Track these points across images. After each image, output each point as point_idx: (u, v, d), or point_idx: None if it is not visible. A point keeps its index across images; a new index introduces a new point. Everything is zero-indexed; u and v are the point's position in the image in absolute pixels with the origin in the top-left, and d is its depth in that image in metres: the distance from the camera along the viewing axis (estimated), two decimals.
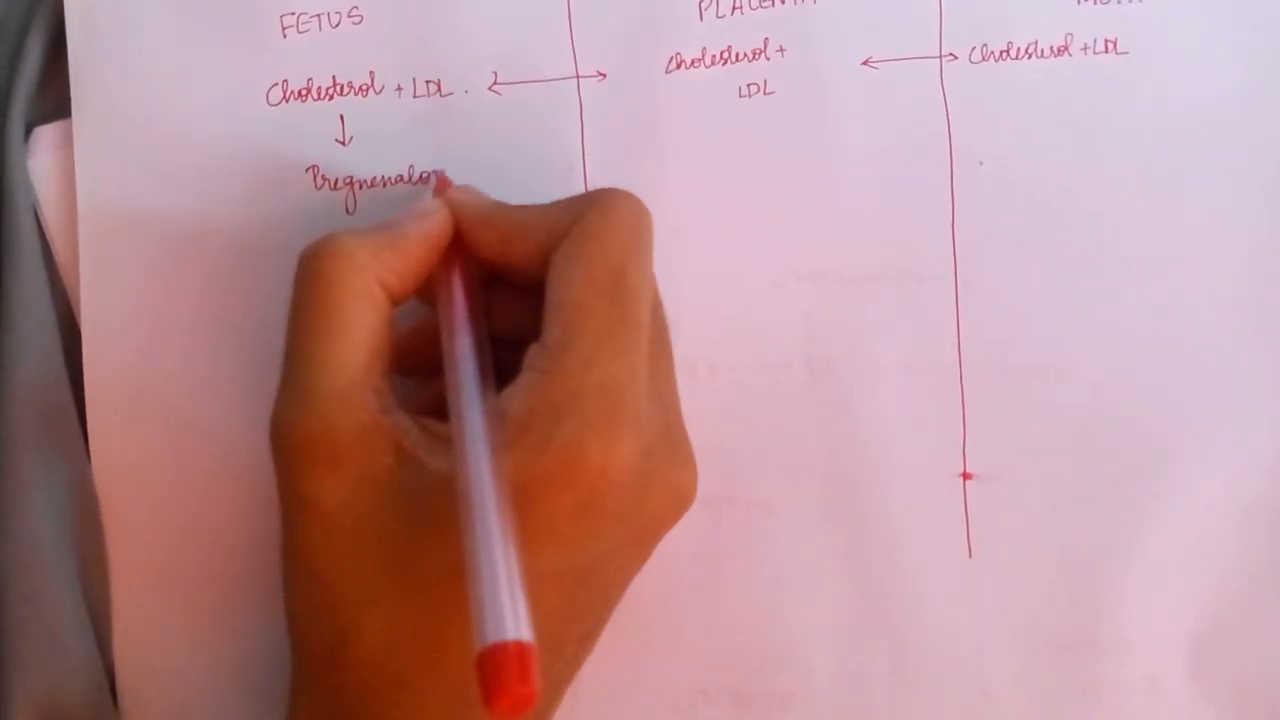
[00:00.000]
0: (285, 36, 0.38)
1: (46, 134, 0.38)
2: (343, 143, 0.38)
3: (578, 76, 0.38)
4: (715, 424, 0.37)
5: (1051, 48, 0.38)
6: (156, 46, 0.38)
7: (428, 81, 0.38)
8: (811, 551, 0.38)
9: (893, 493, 0.38)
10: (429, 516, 0.31)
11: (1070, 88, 0.38)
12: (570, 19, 0.38)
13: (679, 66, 0.38)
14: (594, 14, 0.38)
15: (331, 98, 0.38)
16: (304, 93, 0.38)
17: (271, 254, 0.38)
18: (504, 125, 0.38)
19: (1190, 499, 0.37)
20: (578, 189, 0.38)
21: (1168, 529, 0.37)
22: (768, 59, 0.38)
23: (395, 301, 0.33)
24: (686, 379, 0.35)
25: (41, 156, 0.38)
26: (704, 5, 0.38)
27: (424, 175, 0.38)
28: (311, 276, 0.32)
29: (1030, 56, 0.38)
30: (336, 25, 0.38)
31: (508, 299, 0.34)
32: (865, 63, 0.38)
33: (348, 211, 0.38)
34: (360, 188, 0.38)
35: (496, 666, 0.26)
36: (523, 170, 0.38)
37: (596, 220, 0.32)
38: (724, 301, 0.38)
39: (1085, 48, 0.38)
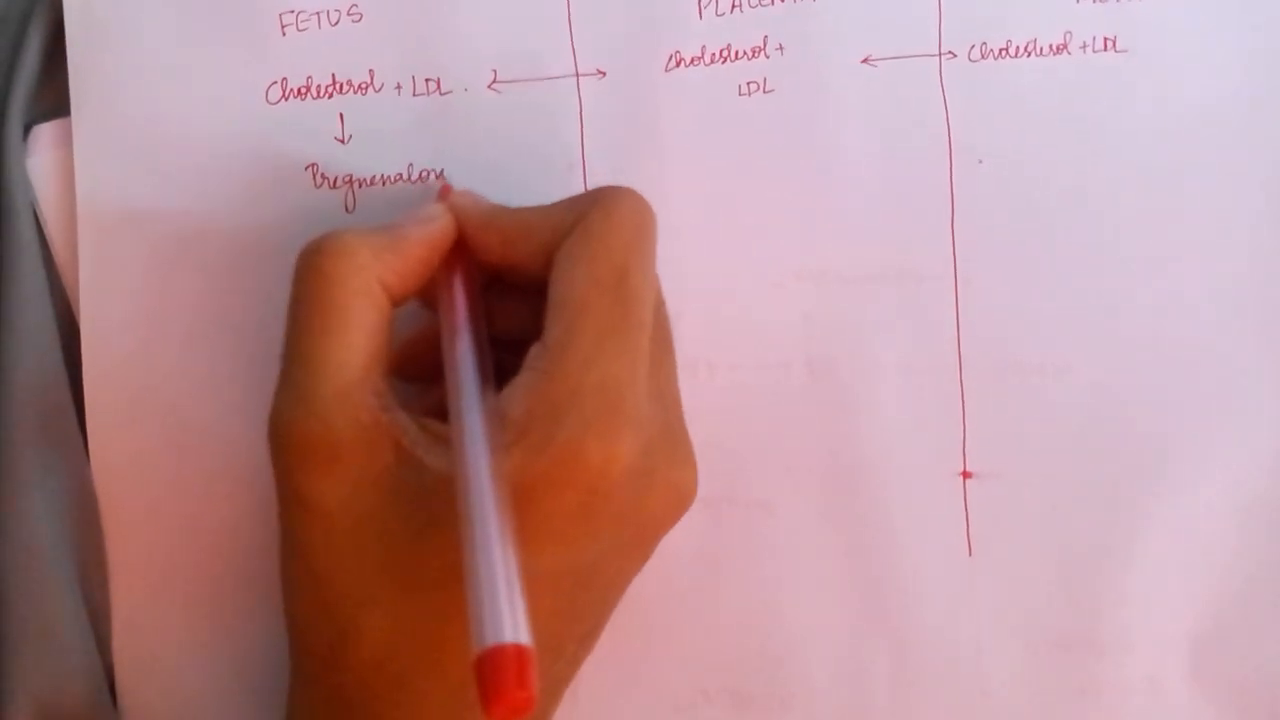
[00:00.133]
0: (284, 35, 0.38)
1: (45, 132, 0.38)
2: (342, 141, 0.38)
3: (577, 75, 0.38)
4: (715, 423, 0.37)
5: (1051, 46, 0.38)
6: (156, 45, 0.38)
7: (427, 80, 0.38)
8: (811, 551, 0.38)
9: (893, 491, 0.38)
10: (429, 516, 0.30)
11: (1070, 86, 0.38)
12: (570, 17, 0.38)
13: (678, 65, 0.38)
14: (593, 12, 0.38)
15: (331, 96, 0.38)
16: (303, 91, 0.38)
17: (271, 253, 0.38)
18: (504, 124, 0.38)
19: (1190, 498, 0.37)
20: (577, 187, 0.38)
21: (1168, 528, 0.37)
22: (767, 57, 0.38)
23: (396, 302, 0.33)
24: (686, 378, 0.35)
25: (40, 155, 0.38)
26: (703, 3, 0.38)
27: (423, 174, 0.38)
28: (311, 274, 0.32)
29: (1030, 55, 0.38)
30: (336, 23, 0.38)
31: (510, 301, 0.34)
32: (865, 61, 0.38)
33: (347, 210, 0.38)
34: (360, 186, 0.38)
35: (495, 670, 0.25)
36: (522, 169, 0.38)
37: (600, 219, 0.32)
38: (723, 300, 0.38)
39: (1085, 46, 0.38)
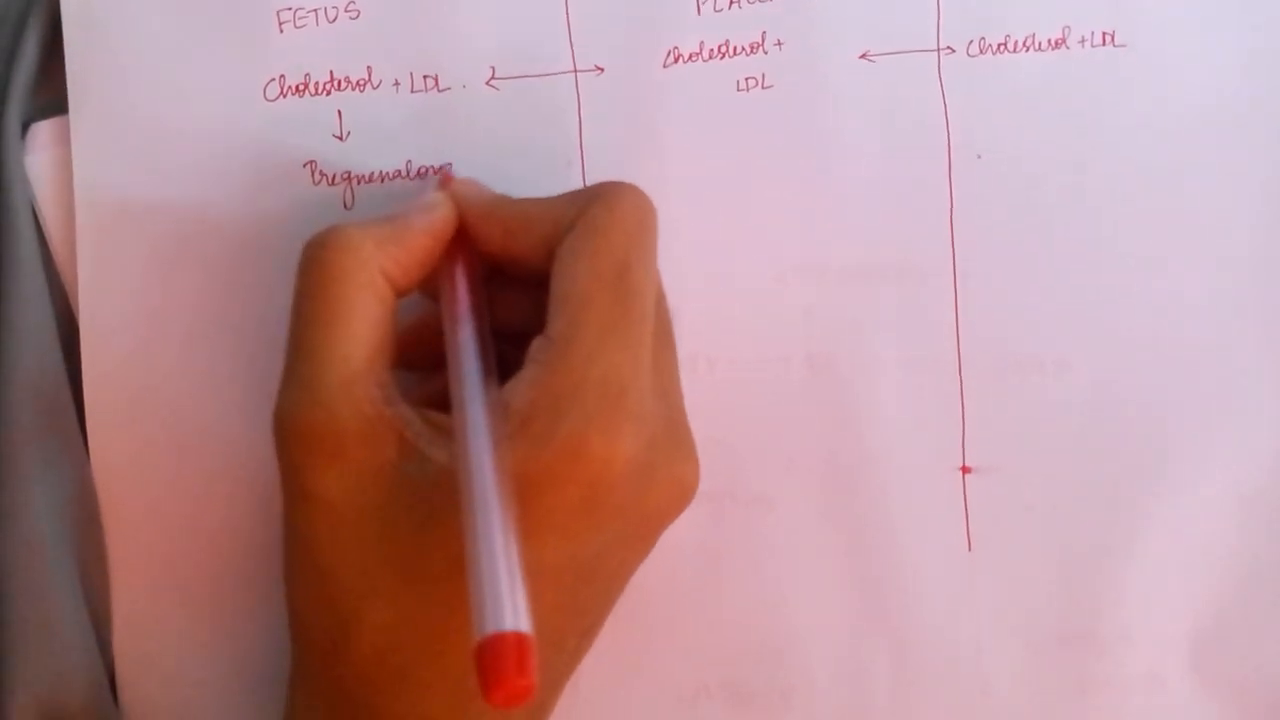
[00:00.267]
0: (282, 31, 0.38)
1: (43, 130, 0.38)
2: (340, 138, 0.38)
3: (575, 71, 0.38)
4: (715, 419, 0.37)
5: (1049, 41, 0.38)
6: (153, 42, 0.38)
7: (425, 76, 0.38)
8: (811, 546, 0.38)
9: (893, 487, 0.38)
10: (432, 508, 0.30)
11: (1068, 81, 0.38)
12: (568, 13, 0.38)
13: (677, 60, 0.38)
14: (591, 8, 0.38)
15: (329, 93, 0.38)
16: (301, 88, 0.38)
17: (270, 249, 0.37)
18: (502, 120, 0.38)
19: (1190, 495, 0.38)
20: (576, 183, 0.38)
21: (1168, 525, 0.37)
22: (765, 53, 0.38)
23: (399, 294, 0.33)
24: (686, 373, 0.35)
25: (38, 153, 0.38)
26: None
27: (422, 170, 0.38)
28: (315, 267, 0.32)
29: (1028, 49, 0.38)
30: (333, 20, 0.38)
31: (511, 292, 0.34)
32: (863, 56, 0.38)
33: (346, 206, 0.38)
34: (358, 183, 0.38)
35: (495, 657, 0.26)
36: (521, 165, 0.38)
37: (601, 213, 0.32)
38: (723, 296, 0.38)
39: (1083, 40, 0.38)
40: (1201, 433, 0.38)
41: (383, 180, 0.38)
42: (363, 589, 0.31)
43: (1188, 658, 0.37)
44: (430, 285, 0.34)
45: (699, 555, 0.38)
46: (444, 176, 0.37)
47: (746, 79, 0.38)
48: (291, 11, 0.38)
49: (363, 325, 0.31)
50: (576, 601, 0.32)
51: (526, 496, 0.29)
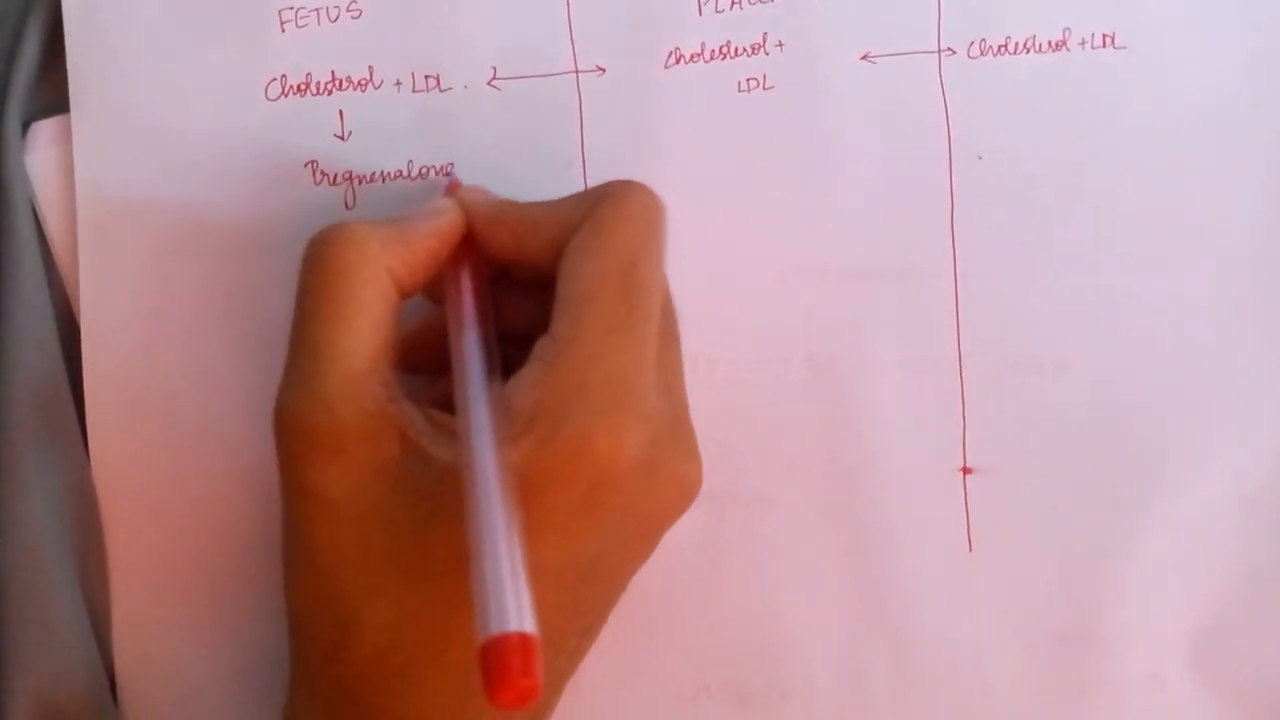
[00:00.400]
0: (284, 31, 0.38)
1: (44, 129, 0.38)
2: (342, 138, 0.38)
3: (577, 71, 0.38)
4: (716, 419, 0.37)
5: (1050, 43, 0.38)
6: (155, 41, 0.38)
7: (427, 76, 0.38)
8: (812, 546, 0.38)
9: (893, 487, 0.38)
10: (434, 507, 0.30)
11: (1069, 83, 0.38)
12: (569, 13, 0.38)
13: (678, 61, 0.38)
14: (593, 8, 0.38)
15: (330, 93, 0.38)
16: (303, 88, 0.38)
17: (271, 249, 0.37)
18: (503, 120, 0.38)
19: (1190, 495, 0.38)
20: (577, 184, 0.38)
21: (1168, 525, 0.38)
22: (767, 54, 0.38)
23: (403, 294, 0.33)
24: (686, 373, 0.35)
25: (39, 152, 0.38)
26: (703, 0, 0.38)
27: (423, 171, 0.38)
28: (319, 263, 0.32)
29: (1028, 51, 0.38)
30: (335, 20, 0.38)
31: (518, 296, 0.34)
32: (864, 58, 0.38)
33: (347, 207, 0.38)
34: (359, 183, 0.38)
35: (500, 658, 0.25)
36: (522, 165, 0.38)
37: (609, 212, 0.32)
38: (724, 296, 0.38)
39: (1083, 42, 0.38)
40: (1201, 433, 0.38)
41: (384, 180, 0.38)
42: (363, 587, 0.31)
43: (1188, 658, 0.38)
44: (437, 290, 0.34)
45: (699, 555, 0.38)
46: (451, 184, 0.37)
47: (748, 80, 0.38)
48: (293, 11, 0.38)
49: (366, 322, 0.31)
50: (577, 601, 0.32)
51: (529, 496, 0.29)
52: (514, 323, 0.34)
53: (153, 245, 0.38)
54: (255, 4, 0.38)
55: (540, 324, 0.32)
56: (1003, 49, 0.38)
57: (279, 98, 0.38)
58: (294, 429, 0.31)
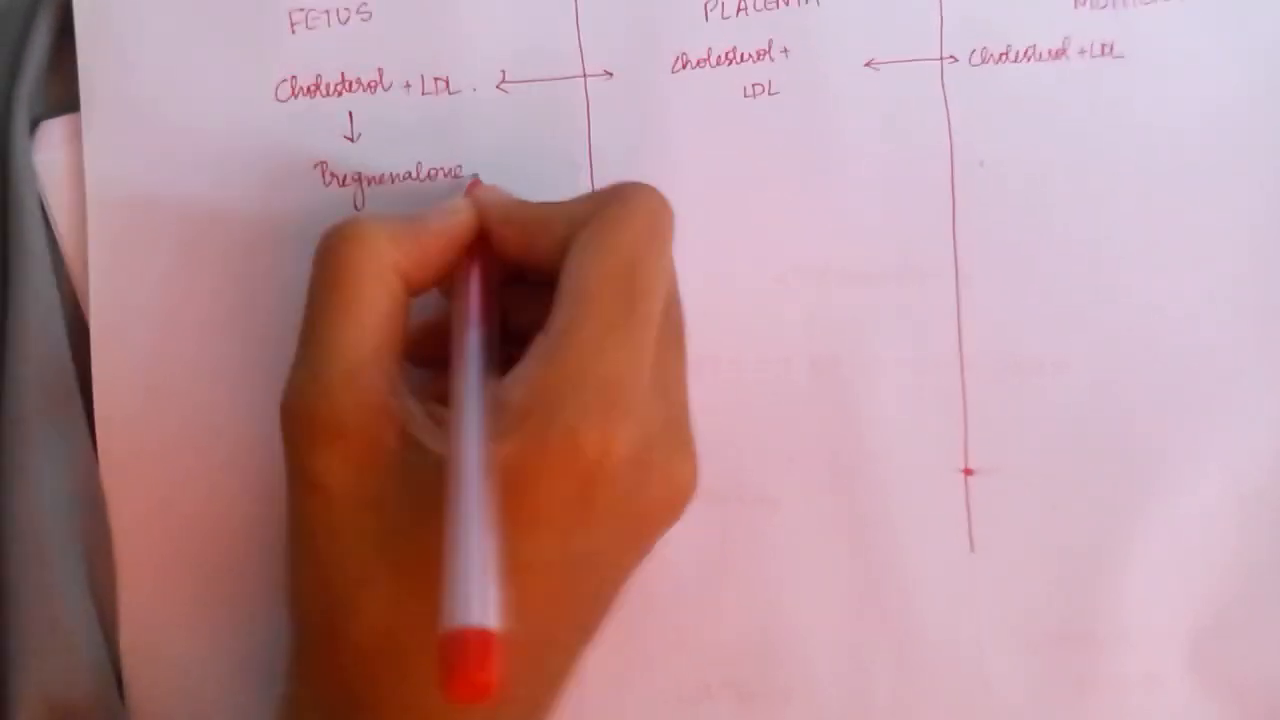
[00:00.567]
0: (294, 32, 0.38)
1: (54, 128, 0.38)
2: (351, 139, 0.38)
3: (584, 75, 0.38)
4: (718, 420, 0.37)
5: (1050, 51, 0.39)
6: (165, 42, 0.38)
7: (436, 79, 0.38)
8: (814, 546, 0.38)
9: (894, 488, 0.38)
10: (429, 499, 0.30)
11: (1068, 90, 0.38)
12: (578, 18, 0.38)
13: (685, 66, 0.39)
14: (601, 14, 0.38)
15: (340, 94, 0.38)
16: (313, 89, 0.38)
17: (279, 251, 0.38)
18: (511, 123, 0.38)
19: (1190, 495, 0.38)
20: (584, 187, 0.38)
21: (1167, 525, 0.38)
22: (772, 60, 0.39)
23: (413, 291, 0.33)
24: (689, 374, 0.35)
25: (48, 152, 0.38)
26: (709, 6, 0.38)
27: (432, 173, 0.38)
28: (328, 256, 0.32)
29: (1029, 60, 0.39)
30: (345, 21, 0.38)
31: (532, 298, 0.34)
32: (868, 65, 0.39)
33: (356, 207, 0.38)
34: (368, 184, 0.38)
35: (457, 652, 0.25)
36: (530, 168, 0.38)
37: (615, 211, 0.32)
38: (727, 298, 0.38)
39: (1083, 51, 0.39)
40: (1201, 433, 0.38)
41: (393, 182, 0.38)
42: (358, 575, 0.31)
43: (1187, 657, 0.38)
44: (449, 286, 0.34)
45: (701, 555, 0.38)
46: (472, 183, 0.37)
47: (753, 85, 0.39)
48: (304, 12, 0.38)
49: (371, 316, 0.32)
50: (569, 597, 0.32)
51: (518, 490, 0.29)
52: (526, 323, 0.34)
53: (163, 244, 0.38)
54: (266, 5, 0.38)
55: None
56: (1004, 57, 0.39)
57: (289, 99, 0.38)
58: (296, 415, 0.31)
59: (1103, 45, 0.39)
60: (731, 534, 0.38)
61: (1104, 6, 0.39)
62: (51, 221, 0.38)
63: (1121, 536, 0.38)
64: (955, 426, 0.38)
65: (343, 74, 0.38)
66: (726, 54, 0.39)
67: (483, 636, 0.25)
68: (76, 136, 0.38)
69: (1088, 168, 0.38)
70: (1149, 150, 0.38)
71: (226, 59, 0.38)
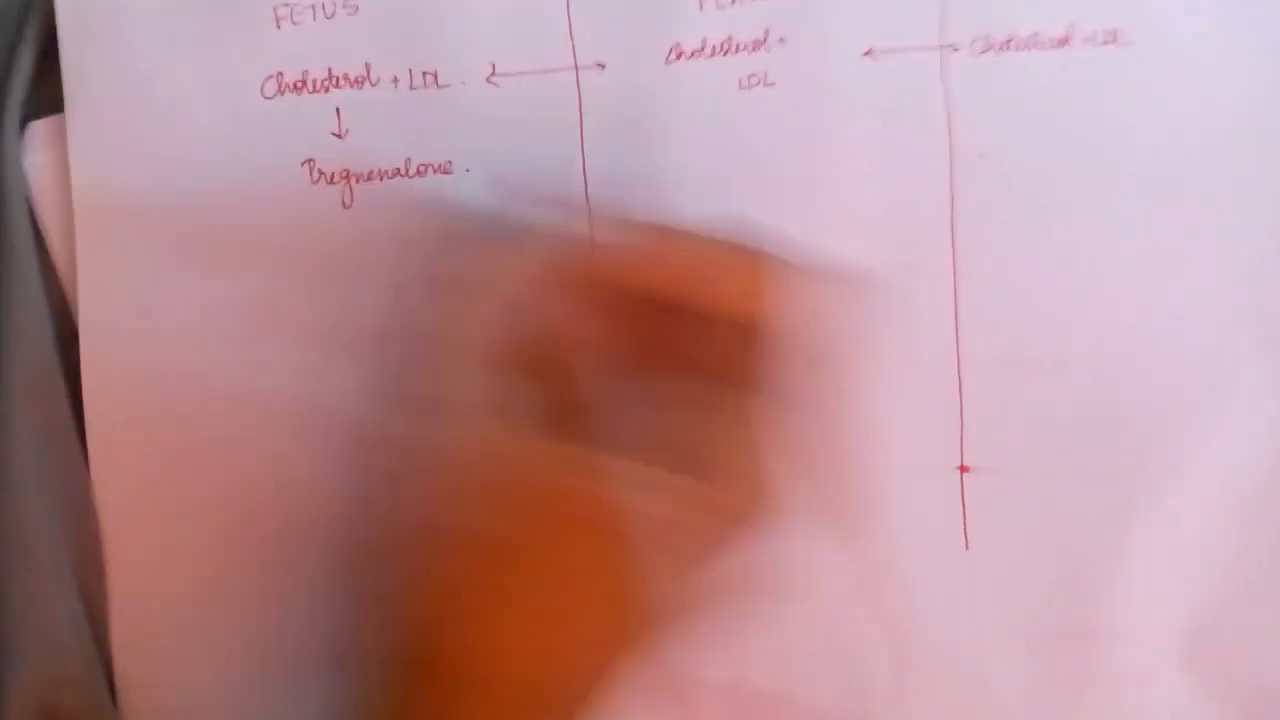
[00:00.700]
0: (279, 28, 0.37)
1: (40, 129, 0.38)
2: (339, 135, 0.38)
3: (576, 67, 0.38)
4: None
5: (1053, 39, 0.38)
6: (149, 40, 0.37)
7: (424, 73, 0.38)
8: (811, 543, 0.38)
9: (891, 485, 0.38)
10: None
11: (1072, 80, 0.38)
12: (569, 9, 0.38)
13: (679, 58, 0.38)
14: (593, 4, 0.37)
15: (327, 90, 0.38)
16: (299, 85, 0.37)
17: (268, 248, 0.37)
18: (502, 117, 0.38)
19: (1187, 495, 0.38)
20: (576, 181, 0.38)
21: (1163, 523, 0.38)
22: (768, 50, 0.38)
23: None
24: None
25: (37, 152, 0.38)
26: None
27: (421, 168, 0.38)
28: None
29: (1032, 48, 0.38)
30: (331, 16, 0.37)
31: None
32: (866, 54, 0.38)
33: (344, 205, 0.38)
34: (357, 181, 0.38)
35: None
36: (521, 162, 0.38)
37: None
38: None
39: (1087, 39, 0.38)
40: (1199, 433, 0.38)
41: (382, 178, 0.38)
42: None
43: (1184, 655, 0.38)
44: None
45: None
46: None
47: (749, 76, 0.38)
48: (288, 7, 0.37)
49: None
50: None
51: None
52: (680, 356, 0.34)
53: (150, 243, 0.37)
54: (250, 1, 0.37)
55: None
56: (1006, 46, 0.38)
57: (275, 95, 0.37)
58: None
59: (1108, 33, 0.38)
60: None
61: None
62: (40, 223, 0.37)
63: (1118, 535, 0.38)
64: (952, 424, 0.38)
65: (329, 69, 0.37)
66: (722, 44, 0.38)
67: None
68: (63, 136, 0.37)
69: (1090, 161, 0.38)
70: (1152, 141, 0.38)
71: (211, 56, 0.37)
